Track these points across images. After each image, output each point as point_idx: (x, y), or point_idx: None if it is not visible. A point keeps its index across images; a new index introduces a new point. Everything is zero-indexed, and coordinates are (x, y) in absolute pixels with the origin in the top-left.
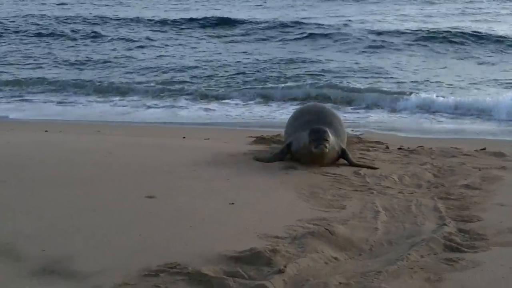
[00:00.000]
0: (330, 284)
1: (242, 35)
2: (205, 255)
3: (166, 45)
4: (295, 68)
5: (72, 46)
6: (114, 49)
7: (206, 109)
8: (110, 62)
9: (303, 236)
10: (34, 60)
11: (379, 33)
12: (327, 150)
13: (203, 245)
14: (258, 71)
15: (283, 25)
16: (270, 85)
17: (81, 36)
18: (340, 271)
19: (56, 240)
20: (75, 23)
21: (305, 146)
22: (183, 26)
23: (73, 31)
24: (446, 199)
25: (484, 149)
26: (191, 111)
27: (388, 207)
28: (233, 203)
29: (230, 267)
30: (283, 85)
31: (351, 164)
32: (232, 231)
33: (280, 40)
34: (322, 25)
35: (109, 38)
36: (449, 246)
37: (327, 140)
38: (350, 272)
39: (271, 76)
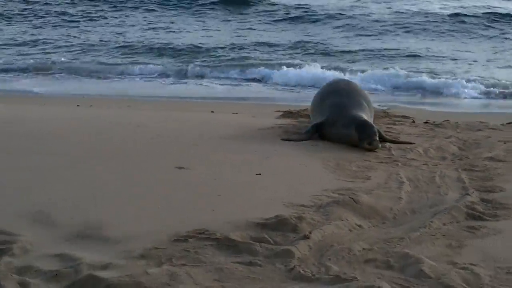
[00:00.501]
0: (354, 249)
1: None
2: (233, 222)
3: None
4: None
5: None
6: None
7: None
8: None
9: (328, 204)
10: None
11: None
12: (380, 146)
13: (230, 212)
14: None
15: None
16: None
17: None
18: (364, 237)
19: (91, 208)
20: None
21: (351, 140)
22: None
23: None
24: (470, 170)
25: (511, 123)
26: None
27: (412, 178)
28: (260, 174)
29: (257, 233)
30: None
31: (386, 141)
32: (259, 200)
33: None
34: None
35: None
36: (471, 214)
37: (377, 135)
38: (373, 239)
39: None
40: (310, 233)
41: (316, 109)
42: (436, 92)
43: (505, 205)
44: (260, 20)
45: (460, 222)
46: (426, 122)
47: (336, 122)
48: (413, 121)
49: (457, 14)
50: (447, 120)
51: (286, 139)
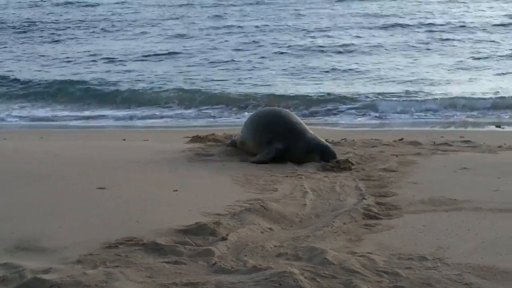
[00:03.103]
0: (267, 246)
1: None
2: (157, 230)
3: None
4: None
5: None
6: None
7: None
8: None
9: (241, 212)
10: None
11: None
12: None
13: (154, 222)
14: None
15: None
16: None
17: None
18: (275, 237)
19: (28, 223)
20: None
21: (314, 161)
22: None
23: None
24: (366, 180)
25: (402, 139)
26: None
27: (315, 188)
28: (177, 190)
29: (180, 238)
30: None
31: None
32: (179, 212)
33: None
34: None
35: None
36: (367, 215)
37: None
38: (283, 238)
39: None
40: (227, 235)
41: (263, 135)
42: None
43: (397, 206)
44: None
45: (358, 221)
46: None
47: (298, 147)
48: None
49: None
50: (345, 139)
51: (253, 162)
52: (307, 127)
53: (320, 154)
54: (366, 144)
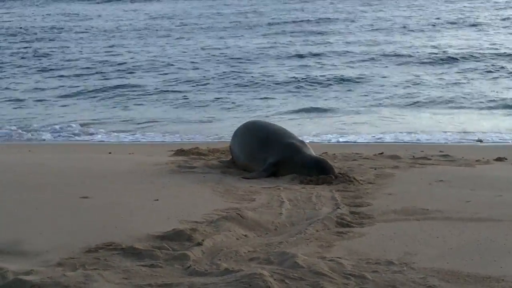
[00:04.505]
0: (240, 251)
1: None
2: (135, 236)
3: None
4: None
5: None
6: None
7: None
8: None
9: (218, 220)
10: None
11: None
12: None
13: (132, 229)
14: None
15: None
16: None
17: None
18: (249, 244)
19: (8, 229)
20: None
21: (310, 175)
22: None
23: None
24: (343, 191)
25: (382, 153)
26: None
27: (292, 198)
28: (157, 200)
29: (157, 243)
30: None
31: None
32: (157, 219)
33: None
34: None
35: None
36: (340, 223)
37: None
38: (257, 244)
39: None
40: (203, 240)
41: (255, 150)
42: None
43: (370, 216)
44: None
45: (331, 229)
46: None
47: (294, 162)
48: None
49: None
50: (325, 152)
51: (248, 178)
52: (304, 141)
53: (316, 169)
54: (347, 158)
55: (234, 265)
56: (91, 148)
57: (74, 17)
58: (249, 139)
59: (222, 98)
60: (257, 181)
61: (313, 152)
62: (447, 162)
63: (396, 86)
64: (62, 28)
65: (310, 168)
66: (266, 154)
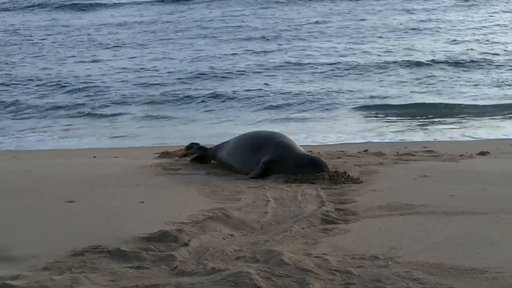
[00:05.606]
0: (226, 251)
1: None
2: (122, 238)
3: None
4: None
5: None
6: None
7: None
8: None
9: (204, 220)
10: None
11: None
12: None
13: (118, 231)
14: None
15: None
16: None
17: None
18: (235, 243)
19: None
20: None
21: (304, 172)
22: None
23: None
24: (328, 189)
25: (366, 150)
26: None
27: (277, 197)
28: (143, 202)
29: (143, 245)
30: None
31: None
32: (143, 221)
33: None
34: None
35: None
36: (326, 220)
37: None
38: (243, 243)
39: None
40: (189, 241)
41: (251, 159)
42: None
43: (355, 212)
44: None
45: (316, 226)
46: None
47: (288, 162)
48: None
49: None
50: (310, 151)
51: (251, 177)
52: (295, 143)
53: (311, 167)
54: (331, 156)
55: (221, 264)
56: (75, 153)
57: None
58: (242, 145)
59: None
60: (243, 181)
61: (304, 151)
62: (431, 158)
63: None
64: None
65: (304, 165)
66: (260, 154)
